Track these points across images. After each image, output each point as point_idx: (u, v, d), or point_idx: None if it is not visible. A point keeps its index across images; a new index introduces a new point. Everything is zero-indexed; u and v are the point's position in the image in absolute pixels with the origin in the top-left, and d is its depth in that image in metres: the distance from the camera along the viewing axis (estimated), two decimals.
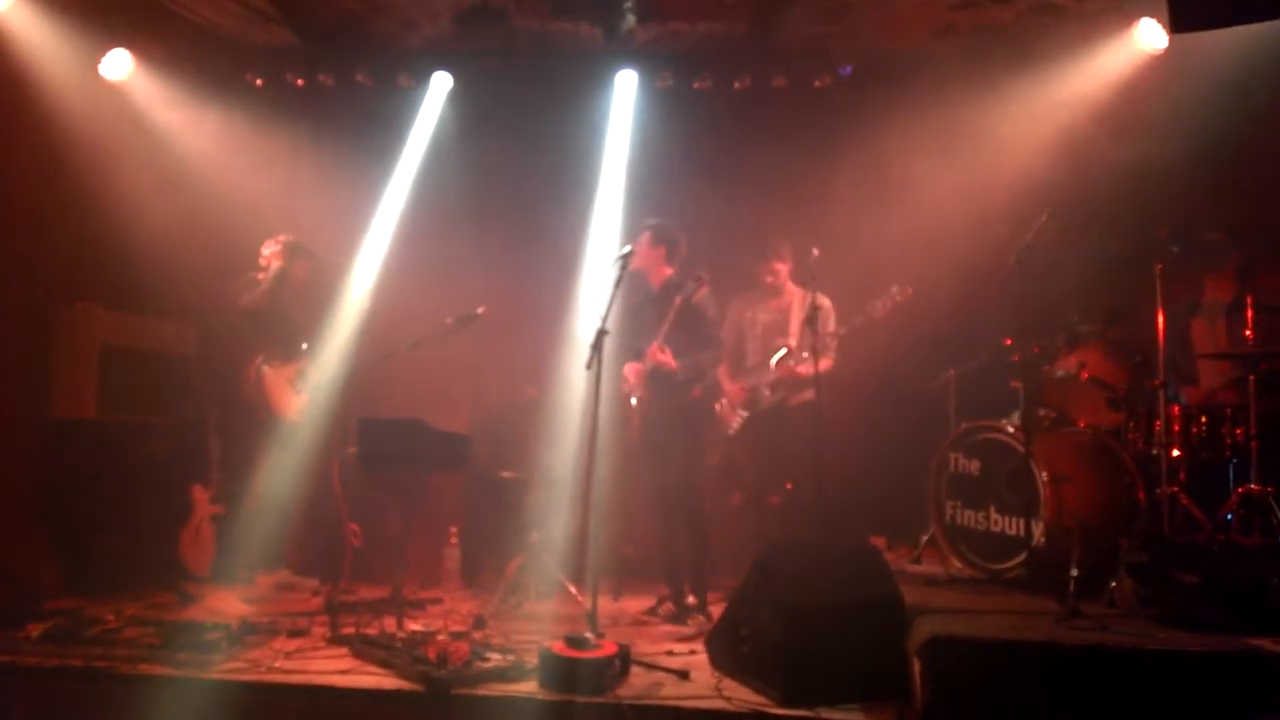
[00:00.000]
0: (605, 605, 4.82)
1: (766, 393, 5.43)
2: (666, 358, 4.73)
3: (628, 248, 4.78)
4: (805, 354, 5.21)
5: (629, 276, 4.70)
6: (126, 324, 5.71)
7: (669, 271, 4.99)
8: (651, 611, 4.88)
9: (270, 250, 5.48)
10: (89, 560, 5.21)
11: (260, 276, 5.44)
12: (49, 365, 5.51)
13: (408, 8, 5.88)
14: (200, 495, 5.48)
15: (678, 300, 4.75)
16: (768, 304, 5.62)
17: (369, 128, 6.50)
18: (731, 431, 5.49)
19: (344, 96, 6.47)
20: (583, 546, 4.32)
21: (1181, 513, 4.48)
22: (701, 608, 4.70)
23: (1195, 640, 3.40)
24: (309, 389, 5.40)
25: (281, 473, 5.23)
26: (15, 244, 5.39)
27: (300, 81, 6.39)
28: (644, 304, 5.01)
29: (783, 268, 5.57)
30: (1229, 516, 4.35)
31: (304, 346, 5.47)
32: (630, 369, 4.94)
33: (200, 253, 5.76)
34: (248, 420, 5.38)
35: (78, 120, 5.43)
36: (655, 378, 4.81)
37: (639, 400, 4.91)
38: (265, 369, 5.38)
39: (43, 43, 5.27)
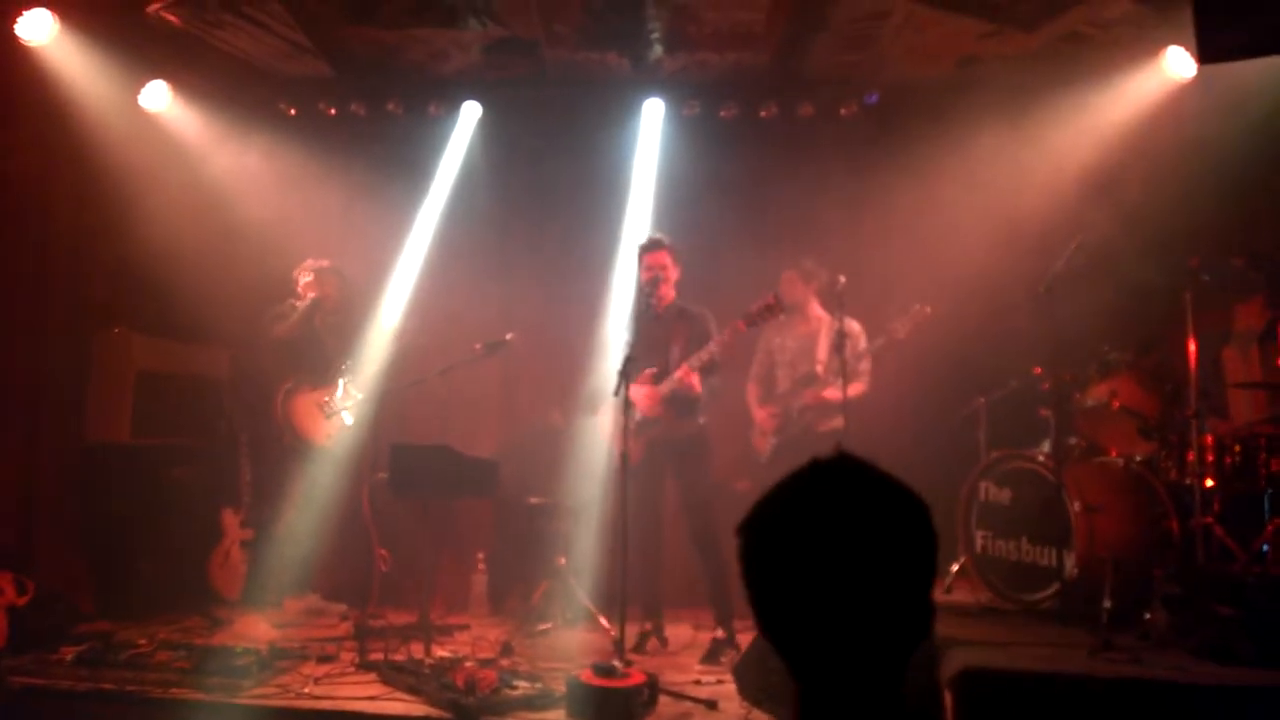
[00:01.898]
0: (633, 633, 4.80)
1: (795, 419, 5.41)
2: (695, 380, 4.68)
3: (653, 277, 4.80)
4: (832, 380, 5.20)
5: (638, 290, 4.73)
6: (161, 349, 5.80)
7: (674, 294, 4.97)
8: (638, 648, 4.69)
9: (306, 279, 5.56)
10: (122, 583, 5.26)
11: (298, 304, 5.52)
12: (85, 389, 5.60)
13: (439, 39, 5.97)
14: (231, 520, 5.54)
15: (741, 325, 4.67)
16: (795, 329, 5.61)
17: (400, 156, 6.57)
18: (764, 459, 5.46)
19: (375, 125, 6.56)
20: (613, 574, 4.31)
21: (1216, 544, 4.42)
22: (730, 640, 4.61)
23: (1231, 674, 3.35)
24: (340, 414, 5.44)
25: (311, 498, 5.28)
26: (55, 270, 5.51)
27: (333, 111, 6.49)
28: (646, 319, 4.83)
29: (799, 288, 5.54)
30: (1265, 548, 4.28)
31: (343, 368, 5.52)
32: (644, 394, 4.77)
33: (234, 279, 5.86)
34: (278, 445, 5.43)
35: (116, 149, 5.55)
36: (674, 401, 4.76)
37: (642, 422, 4.81)
38: (293, 395, 5.43)
39: (84, 74, 5.40)
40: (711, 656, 4.53)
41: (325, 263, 5.66)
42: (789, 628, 1.13)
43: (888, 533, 1.13)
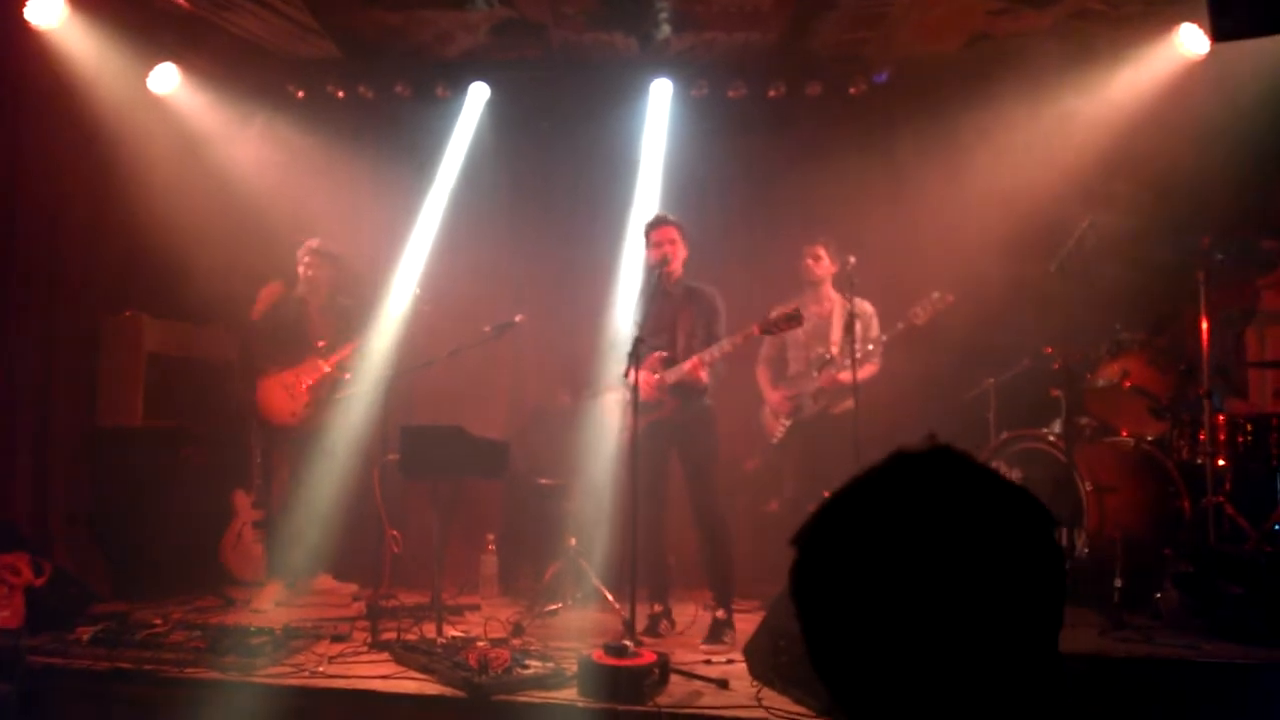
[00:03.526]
0: (643, 614, 4.82)
1: (810, 401, 5.38)
2: (705, 374, 4.65)
3: (662, 254, 4.78)
4: (848, 361, 5.17)
5: (652, 269, 4.73)
6: (172, 331, 5.83)
7: (681, 272, 4.92)
8: (649, 630, 4.70)
9: (303, 262, 5.58)
10: (135, 564, 5.31)
11: (300, 289, 5.55)
12: (98, 373, 5.63)
13: (446, 21, 5.95)
14: (242, 501, 5.58)
15: (757, 330, 4.60)
16: (808, 310, 5.56)
17: (408, 138, 6.57)
18: (775, 440, 5.44)
19: (383, 107, 6.54)
20: (624, 555, 4.32)
21: (1227, 523, 4.42)
22: (729, 621, 4.62)
23: (1243, 652, 3.36)
24: (317, 393, 5.41)
25: (321, 479, 5.29)
26: (66, 253, 5.53)
27: (341, 93, 6.47)
28: (656, 298, 4.78)
29: (825, 264, 5.46)
30: (1276, 527, 4.28)
31: (324, 347, 5.49)
32: (645, 379, 4.67)
33: (244, 261, 5.87)
34: (284, 427, 5.45)
35: (126, 132, 5.56)
36: (679, 389, 4.72)
37: (644, 405, 4.78)
38: (262, 376, 5.43)
39: (93, 58, 5.39)
40: (714, 637, 4.55)
41: (314, 243, 5.63)
42: (859, 678, 0.88)
43: (1006, 553, 0.88)
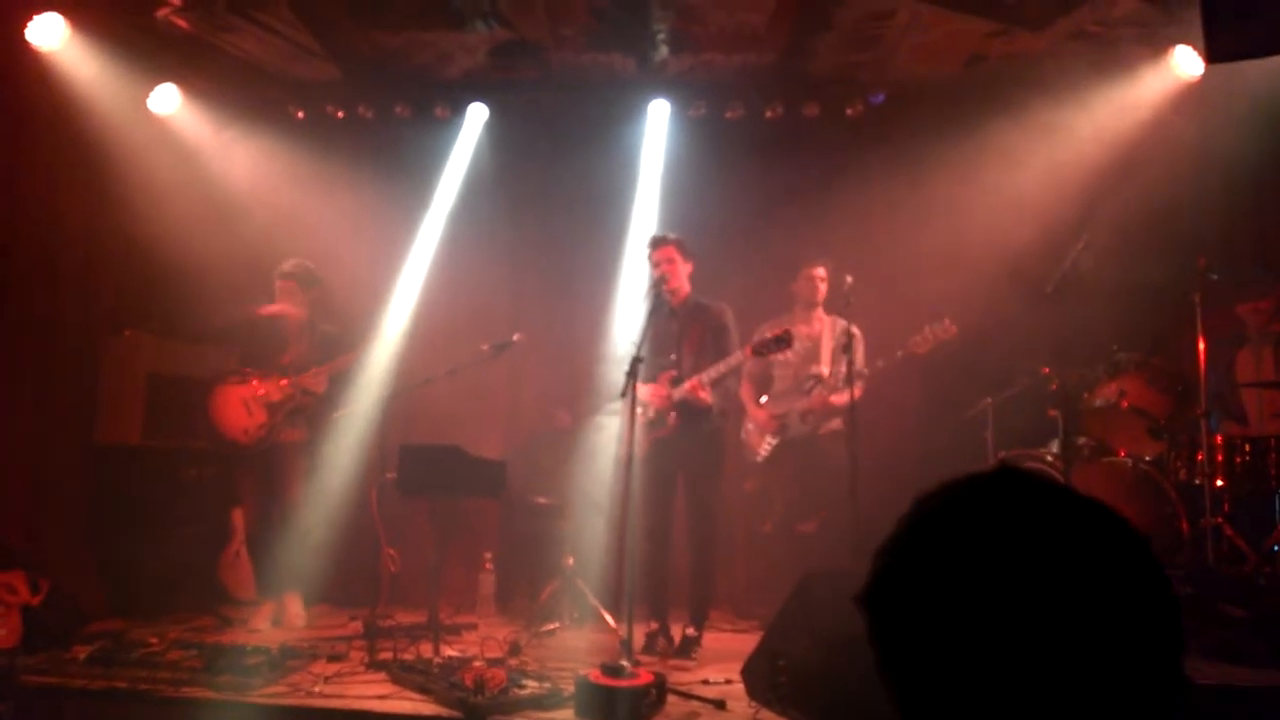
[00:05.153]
0: (641, 634, 4.81)
1: (797, 421, 5.38)
2: (706, 394, 4.67)
3: (661, 273, 4.81)
4: (837, 383, 5.17)
5: (652, 288, 4.76)
6: (171, 350, 5.83)
7: (689, 288, 4.96)
8: (648, 649, 4.71)
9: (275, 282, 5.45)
10: (133, 583, 5.29)
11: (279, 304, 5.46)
12: (97, 391, 5.63)
13: (445, 42, 5.99)
14: (240, 519, 5.56)
15: (749, 352, 4.65)
16: (799, 331, 5.57)
17: (407, 158, 6.59)
18: (759, 458, 5.44)
19: (383, 128, 6.57)
20: (619, 574, 4.32)
21: (1226, 544, 4.42)
22: (699, 640, 4.69)
23: (1244, 674, 3.35)
24: (274, 414, 5.28)
25: (317, 498, 5.27)
26: (65, 272, 5.55)
27: (340, 114, 6.51)
28: (662, 318, 4.82)
29: (827, 285, 5.47)
30: (1276, 548, 4.28)
31: (286, 362, 5.36)
32: (653, 394, 4.78)
33: (242, 280, 5.86)
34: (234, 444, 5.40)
35: (127, 152, 5.60)
36: (683, 407, 4.75)
37: (653, 421, 4.83)
38: (219, 388, 5.30)
39: (94, 78, 5.43)
40: (683, 652, 4.60)
41: (287, 266, 5.48)
42: None
43: (1120, 583, 0.81)
